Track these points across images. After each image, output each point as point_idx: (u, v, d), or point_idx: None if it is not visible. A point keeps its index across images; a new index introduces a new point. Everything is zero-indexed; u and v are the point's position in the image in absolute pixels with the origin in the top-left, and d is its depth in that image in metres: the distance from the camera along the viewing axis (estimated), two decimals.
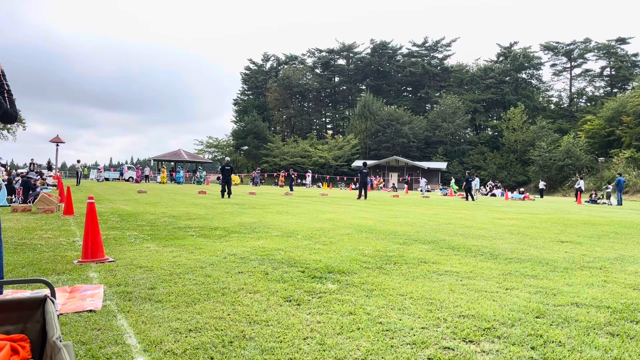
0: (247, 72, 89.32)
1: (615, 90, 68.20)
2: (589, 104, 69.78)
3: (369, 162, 59.96)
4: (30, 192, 13.47)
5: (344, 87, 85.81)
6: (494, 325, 3.21)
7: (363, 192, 23.25)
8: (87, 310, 3.35)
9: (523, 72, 72.56)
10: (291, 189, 29.92)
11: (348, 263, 5.30)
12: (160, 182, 44.85)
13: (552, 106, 74.58)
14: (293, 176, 34.79)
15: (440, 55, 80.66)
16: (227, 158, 21.91)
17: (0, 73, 3.64)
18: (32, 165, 31.86)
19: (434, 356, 2.66)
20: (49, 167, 39.32)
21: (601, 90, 71.26)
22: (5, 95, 3.61)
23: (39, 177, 19.24)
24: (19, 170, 26.30)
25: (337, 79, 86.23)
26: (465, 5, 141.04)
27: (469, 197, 27.00)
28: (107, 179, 51.27)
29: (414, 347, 2.78)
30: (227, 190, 19.72)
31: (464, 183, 27.76)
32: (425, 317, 3.35)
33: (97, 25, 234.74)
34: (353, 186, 47.13)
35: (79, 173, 33.91)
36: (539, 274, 5.00)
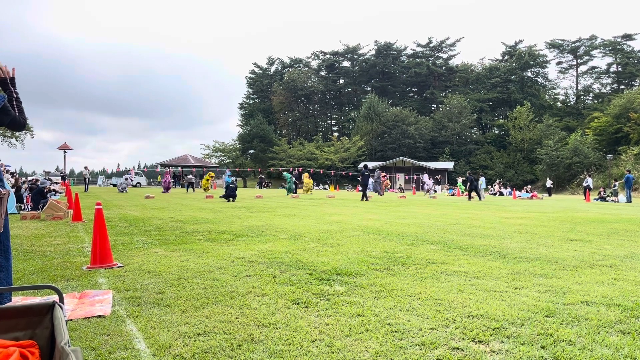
0: (252, 75, 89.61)
1: (622, 86, 67.75)
2: (595, 101, 69.37)
3: (376, 164, 59.89)
4: (42, 199, 13.54)
5: (349, 89, 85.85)
6: (503, 325, 3.19)
7: (366, 194, 23.72)
8: (96, 316, 3.37)
9: (529, 70, 72.28)
10: (295, 192, 29.80)
11: (356, 265, 5.30)
12: (204, 189, 32.46)
13: (559, 104, 74.21)
14: (296, 175, 33.87)
15: (445, 56, 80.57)
16: (232, 178, 22.07)
17: (9, 81, 3.67)
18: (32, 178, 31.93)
19: (443, 357, 2.64)
20: (63, 177, 39.10)
21: (608, 87, 70.81)
22: (14, 102, 3.64)
23: (50, 182, 19.36)
24: (29, 178, 26.48)
25: (342, 81, 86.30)
26: (469, 5, 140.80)
27: (478, 196, 26.93)
28: (114, 185, 51.50)
29: (423, 348, 2.77)
30: (231, 200, 20.30)
31: (468, 184, 27.76)
32: (434, 318, 3.34)
33: (100, 31, 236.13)
34: (360, 188, 47.00)
35: (87, 179, 34.11)
36: (548, 272, 4.97)
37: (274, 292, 4.04)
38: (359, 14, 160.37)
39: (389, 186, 45.06)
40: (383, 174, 31.99)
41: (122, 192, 29.79)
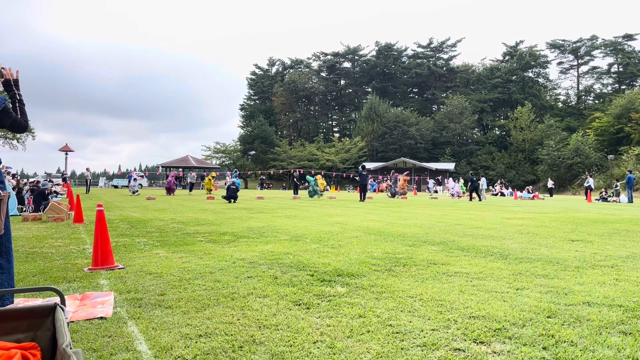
0: (253, 77, 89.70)
1: (624, 87, 67.73)
2: (597, 102, 69.37)
3: (377, 165, 59.97)
4: (44, 201, 13.55)
5: (350, 90, 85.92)
6: (504, 325, 3.18)
7: (363, 194, 24.08)
8: (97, 318, 3.37)
9: (530, 70, 72.33)
10: (296, 192, 29.69)
11: (357, 266, 5.29)
12: (206, 191, 30.50)
13: (560, 104, 74.22)
14: (296, 177, 33.00)
15: (445, 56, 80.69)
16: (233, 179, 21.96)
17: (13, 83, 3.68)
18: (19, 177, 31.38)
19: (444, 358, 2.64)
20: (64, 179, 38.95)
21: (609, 88, 70.82)
22: (17, 104, 3.65)
23: (51, 184, 19.39)
24: (31, 180, 26.45)
25: (342, 82, 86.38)
26: (470, 5, 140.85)
27: (478, 197, 26.94)
28: (115, 187, 51.51)
29: (425, 349, 2.77)
30: (232, 201, 20.34)
31: (469, 184, 27.78)
32: (436, 319, 3.34)
33: (100, 32, 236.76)
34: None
35: (88, 181, 34.09)
36: (549, 273, 4.97)
37: (275, 294, 4.04)
38: (360, 14, 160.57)
39: (406, 188, 36.86)
40: (405, 174, 31.52)
41: (134, 194, 28.11)
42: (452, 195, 32.04)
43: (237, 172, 31.49)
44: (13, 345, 1.60)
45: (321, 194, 28.07)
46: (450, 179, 36.94)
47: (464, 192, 37.60)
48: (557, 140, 54.78)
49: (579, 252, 6.42)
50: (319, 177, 29.76)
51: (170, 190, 29.41)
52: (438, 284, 4.44)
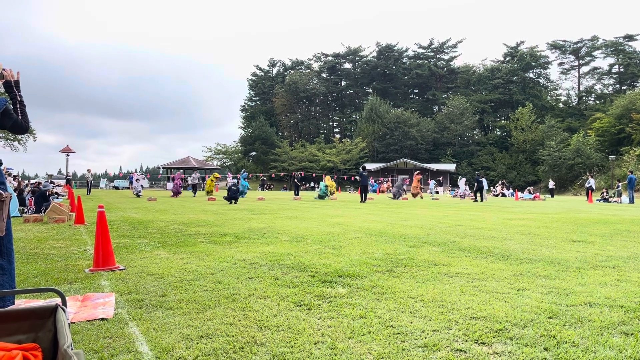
0: (254, 78, 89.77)
1: (625, 87, 67.72)
2: (598, 102, 69.32)
3: (378, 165, 59.99)
4: (45, 203, 13.56)
5: (351, 91, 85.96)
6: (506, 326, 3.18)
7: (364, 195, 24.09)
8: (99, 319, 3.37)
9: (530, 71, 72.31)
10: (296, 193, 29.65)
11: (358, 267, 5.29)
12: (207, 192, 28.35)
13: (561, 105, 74.19)
14: (297, 178, 32.44)
15: (446, 57, 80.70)
16: (235, 180, 21.78)
17: (14, 84, 3.69)
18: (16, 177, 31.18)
19: (445, 358, 2.64)
20: (67, 180, 38.81)
21: (610, 88, 70.78)
22: (18, 106, 3.66)
23: (52, 185, 19.41)
24: (32, 181, 26.45)
25: (343, 83, 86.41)
26: (470, 5, 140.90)
27: (480, 198, 26.88)
28: (117, 188, 51.57)
29: (426, 350, 2.76)
30: (233, 202, 20.28)
31: (475, 184, 27.64)
32: (437, 320, 3.33)
33: (100, 32, 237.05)
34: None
35: (89, 182, 34.08)
36: (551, 274, 4.96)
37: (276, 294, 4.04)
38: (360, 14, 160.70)
39: (419, 189, 31.14)
40: (417, 173, 31.23)
41: (138, 196, 27.43)
42: (462, 196, 31.98)
43: (246, 174, 31.04)
44: (14, 346, 1.60)
45: (331, 194, 27.92)
46: (462, 180, 36.78)
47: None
48: (558, 141, 54.76)
49: (580, 253, 6.41)
50: (327, 178, 29.10)
51: (177, 194, 28.49)
52: (439, 284, 4.44)
